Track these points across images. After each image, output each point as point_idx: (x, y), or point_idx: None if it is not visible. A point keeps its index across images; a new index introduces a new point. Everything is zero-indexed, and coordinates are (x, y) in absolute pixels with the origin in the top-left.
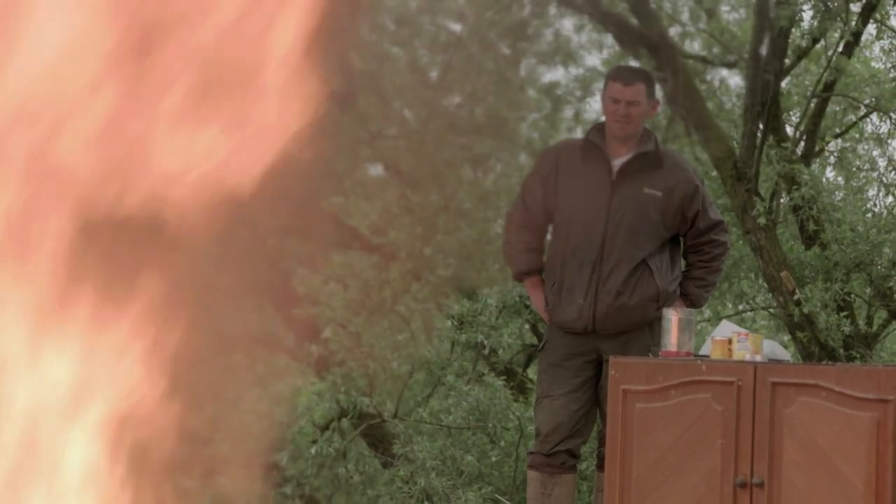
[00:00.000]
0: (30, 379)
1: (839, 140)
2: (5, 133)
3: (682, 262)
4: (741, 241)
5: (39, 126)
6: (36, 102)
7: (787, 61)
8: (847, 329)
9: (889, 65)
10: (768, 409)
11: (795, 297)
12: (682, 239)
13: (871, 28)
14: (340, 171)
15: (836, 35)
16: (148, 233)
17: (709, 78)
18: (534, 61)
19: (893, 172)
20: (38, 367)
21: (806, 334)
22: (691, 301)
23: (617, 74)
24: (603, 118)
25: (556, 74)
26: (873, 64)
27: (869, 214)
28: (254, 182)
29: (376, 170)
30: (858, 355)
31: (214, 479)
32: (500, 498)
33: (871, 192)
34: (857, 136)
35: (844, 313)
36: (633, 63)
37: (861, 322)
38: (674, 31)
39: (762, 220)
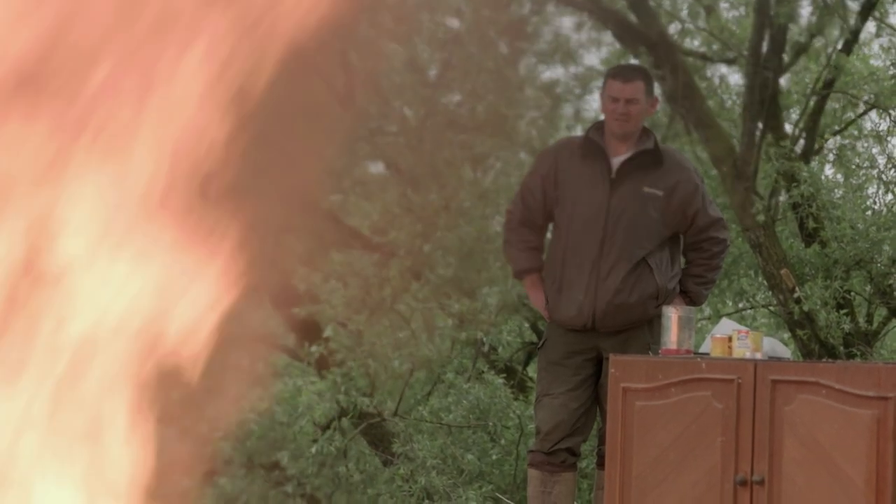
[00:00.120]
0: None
1: (838, 137)
2: None
3: (682, 260)
4: (741, 239)
5: None
6: None
7: (785, 58)
8: (847, 326)
9: (888, 62)
10: (768, 406)
11: (795, 295)
12: (681, 237)
13: (871, 26)
14: (340, 169)
15: (836, 32)
16: None
17: (708, 75)
18: (533, 60)
19: (893, 170)
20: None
21: (806, 332)
22: (691, 299)
23: (616, 72)
24: (602, 116)
25: (555, 73)
26: (872, 61)
27: (868, 212)
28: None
29: (376, 167)
30: (858, 353)
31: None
32: (500, 496)
33: (871, 190)
34: (856, 133)
35: (844, 311)
36: (633, 61)
37: (861, 319)
38: (673, 29)
39: (761, 218)
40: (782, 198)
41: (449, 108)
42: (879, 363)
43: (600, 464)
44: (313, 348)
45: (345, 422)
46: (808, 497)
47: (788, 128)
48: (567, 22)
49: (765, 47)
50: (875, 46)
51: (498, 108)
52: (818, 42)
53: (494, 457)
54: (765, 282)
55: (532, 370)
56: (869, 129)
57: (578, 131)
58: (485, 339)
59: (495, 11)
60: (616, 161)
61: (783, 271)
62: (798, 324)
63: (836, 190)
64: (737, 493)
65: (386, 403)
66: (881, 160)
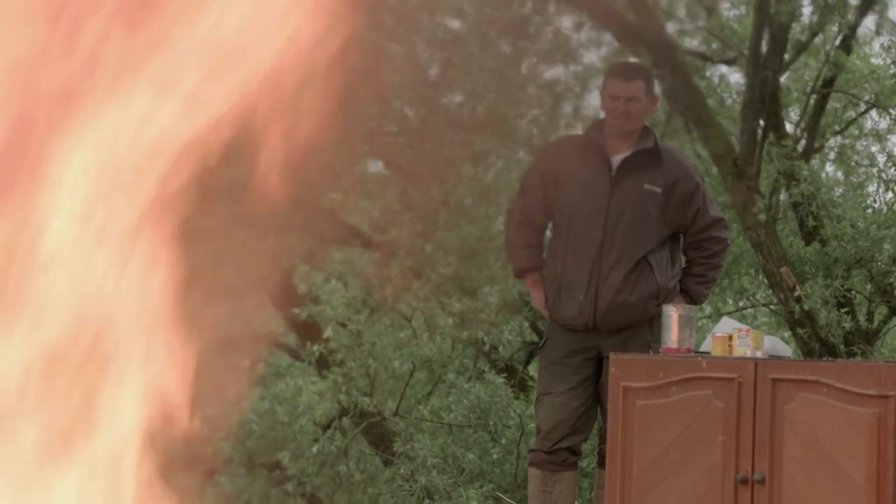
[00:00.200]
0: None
1: (839, 136)
2: None
3: (683, 259)
4: (741, 238)
5: None
6: None
7: (786, 56)
8: (847, 325)
9: (888, 61)
10: (769, 405)
11: (796, 294)
12: (682, 235)
13: (870, 22)
14: (340, 168)
15: (835, 29)
16: None
17: (708, 74)
18: (535, 60)
19: (893, 168)
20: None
21: (806, 331)
22: (692, 297)
23: (616, 71)
24: (602, 115)
25: (555, 72)
26: (873, 60)
27: (869, 210)
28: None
29: (376, 166)
30: (859, 351)
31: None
32: (501, 496)
33: (871, 189)
34: (856, 132)
35: (845, 309)
36: (633, 60)
37: (861, 318)
38: (673, 28)
39: (762, 217)
40: (783, 197)
41: (450, 109)
42: (880, 362)
43: (601, 463)
44: (314, 348)
45: (345, 421)
46: (808, 496)
47: (789, 127)
48: (567, 21)
49: (765, 46)
50: (875, 45)
51: (498, 107)
52: (818, 40)
53: (495, 456)
54: (765, 280)
55: (533, 369)
56: (869, 128)
57: (579, 129)
58: (486, 339)
59: (497, 10)
60: (616, 159)
61: (784, 270)
62: (798, 322)
63: (836, 188)
64: (738, 491)
65: (387, 403)
66: (881, 159)
